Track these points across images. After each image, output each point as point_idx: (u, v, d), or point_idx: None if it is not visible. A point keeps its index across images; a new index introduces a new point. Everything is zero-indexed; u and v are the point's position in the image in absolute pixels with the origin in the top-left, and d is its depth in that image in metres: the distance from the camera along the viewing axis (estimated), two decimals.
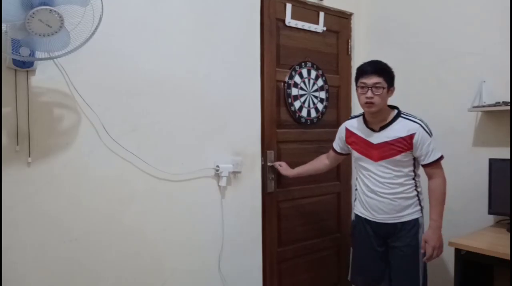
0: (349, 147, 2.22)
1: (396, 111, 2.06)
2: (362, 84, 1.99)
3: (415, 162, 2.04)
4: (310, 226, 2.84)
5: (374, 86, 1.95)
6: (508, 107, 2.23)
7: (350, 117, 2.25)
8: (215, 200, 2.34)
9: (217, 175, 2.33)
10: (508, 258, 1.85)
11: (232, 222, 2.39)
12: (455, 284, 2.10)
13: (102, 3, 1.59)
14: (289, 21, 2.67)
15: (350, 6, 3.01)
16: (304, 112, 2.78)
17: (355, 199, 2.24)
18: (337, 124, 2.95)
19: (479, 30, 2.49)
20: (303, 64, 2.76)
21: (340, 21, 2.99)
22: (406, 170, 2.02)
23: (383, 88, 1.96)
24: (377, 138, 2.04)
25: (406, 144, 1.97)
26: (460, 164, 2.58)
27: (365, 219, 2.13)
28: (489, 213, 2.33)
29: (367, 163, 2.08)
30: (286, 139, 2.69)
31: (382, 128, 2.03)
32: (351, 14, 3.04)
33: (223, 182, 2.33)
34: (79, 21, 1.58)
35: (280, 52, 2.65)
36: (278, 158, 2.62)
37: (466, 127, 2.55)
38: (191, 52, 2.24)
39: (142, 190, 2.09)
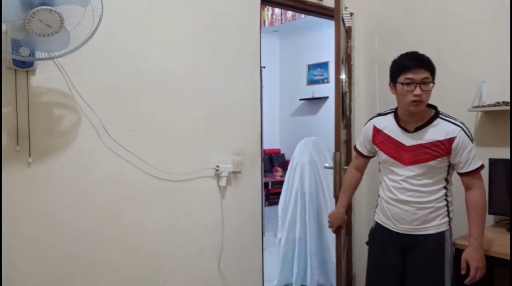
0: (375, 147, 1.96)
1: (434, 111, 1.83)
2: (409, 80, 1.71)
3: (450, 168, 1.81)
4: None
5: (423, 82, 1.71)
6: (508, 107, 2.23)
7: (377, 114, 2.01)
8: (215, 200, 2.34)
9: (217, 175, 2.33)
10: (508, 258, 1.85)
11: (232, 222, 2.39)
12: (455, 284, 2.09)
13: (102, 3, 1.59)
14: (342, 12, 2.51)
15: (350, 6, 3.01)
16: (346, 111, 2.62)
17: (377, 205, 2.01)
18: (344, 127, 2.93)
19: (479, 30, 2.49)
20: (343, 60, 2.58)
21: None
22: (439, 177, 1.80)
23: (432, 83, 1.74)
24: (410, 140, 1.80)
25: (444, 148, 1.74)
26: None
27: (386, 228, 1.91)
28: (489, 213, 2.31)
29: (395, 167, 1.84)
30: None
31: (418, 129, 1.79)
32: (351, 14, 3.04)
33: (223, 182, 2.33)
34: (79, 21, 1.58)
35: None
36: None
37: None
38: (191, 52, 2.24)
39: (142, 190, 2.09)
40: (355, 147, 2.12)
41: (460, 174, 1.81)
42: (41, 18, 1.47)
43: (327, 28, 6.15)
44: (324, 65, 7.04)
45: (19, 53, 1.56)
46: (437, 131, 1.77)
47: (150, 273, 2.13)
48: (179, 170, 2.20)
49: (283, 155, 7.73)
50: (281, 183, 4.22)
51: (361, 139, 2.05)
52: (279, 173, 6.74)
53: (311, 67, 7.29)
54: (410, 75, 1.71)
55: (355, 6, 3.05)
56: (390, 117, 1.91)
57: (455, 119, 1.80)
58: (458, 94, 2.57)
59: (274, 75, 7.89)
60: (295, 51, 7.65)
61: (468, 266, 1.77)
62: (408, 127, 1.82)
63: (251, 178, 2.49)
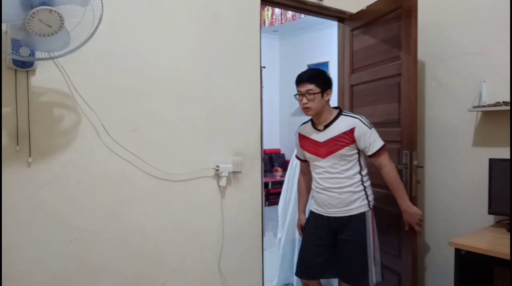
0: (303, 151, 2.28)
1: (338, 111, 2.20)
2: (298, 92, 2.16)
3: (360, 156, 2.15)
4: None
5: (307, 93, 2.11)
6: (508, 107, 2.23)
7: (301, 123, 2.35)
8: (215, 200, 2.34)
9: (217, 175, 2.33)
10: (508, 258, 1.85)
11: (232, 222, 2.39)
12: (455, 284, 2.09)
13: (102, 3, 1.59)
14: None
15: (350, 6, 3.00)
16: None
17: (312, 196, 2.33)
18: None
19: (479, 30, 2.49)
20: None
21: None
22: (351, 163, 2.13)
23: (315, 93, 2.10)
24: (322, 136, 2.16)
25: (348, 138, 2.10)
26: (460, 164, 2.58)
27: (319, 214, 2.21)
28: (489, 213, 2.33)
29: (317, 161, 2.19)
30: None
31: (326, 127, 2.16)
32: (351, 14, 3.04)
33: (223, 182, 2.33)
34: (79, 21, 1.58)
35: None
36: None
37: (466, 127, 2.55)
38: (191, 52, 2.24)
39: (142, 189, 2.09)
40: (296, 155, 2.45)
41: (369, 157, 2.15)
42: (41, 18, 1.47)
43: (327, 28, 6.15)
44: (324, 65, 7.04)
45: (19, 53, 1.56)
46: (341, 126, 2.14)
47: (150, 273, 2.13)
48: (179, 170, 2.20)
49: (283, 155, 7.73)
50: (281, 183, 4.22)
51: (296, 148, 2.40)
52: (279, 173, 6.74)
53: (311, 67, 7.30)
54: (298, 88, 2.17)
55: (355, 6, 3.04)
56: (309, 122, 2.28)
57: (354, 114, 2.19)
58: (458, 94, 2.58)
59: (274, 75, 7.89)
60: (295, 51, 7.65)
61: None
62: (319, 127, 2.20)
63: (251, 178, 2.49)
